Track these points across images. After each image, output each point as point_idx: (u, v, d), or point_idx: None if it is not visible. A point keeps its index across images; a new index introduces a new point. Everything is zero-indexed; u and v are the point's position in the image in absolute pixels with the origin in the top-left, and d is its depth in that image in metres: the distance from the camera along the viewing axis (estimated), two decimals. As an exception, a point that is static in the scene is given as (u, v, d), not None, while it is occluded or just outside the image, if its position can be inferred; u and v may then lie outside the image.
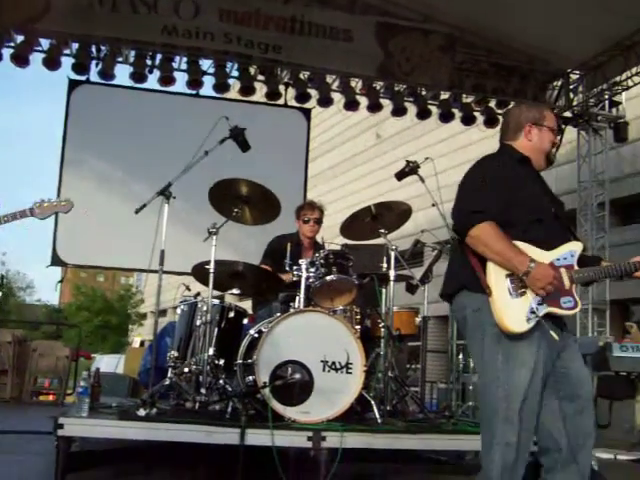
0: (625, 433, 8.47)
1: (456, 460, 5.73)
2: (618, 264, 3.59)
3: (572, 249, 3.53)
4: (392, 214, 5.76)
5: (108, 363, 18.12)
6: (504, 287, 3.35)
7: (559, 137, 12.10)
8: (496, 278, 3.36)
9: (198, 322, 5.43)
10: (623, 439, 8.17)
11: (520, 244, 3.38)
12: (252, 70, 10.41)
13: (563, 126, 12.30)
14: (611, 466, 6.28)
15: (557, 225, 3.61)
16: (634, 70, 11.22)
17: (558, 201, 3.75)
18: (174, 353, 5.61)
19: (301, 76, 10.58)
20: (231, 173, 5.54)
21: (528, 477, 3.55)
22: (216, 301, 5.49)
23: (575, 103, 12.31)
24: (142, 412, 4.57)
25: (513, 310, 3.32)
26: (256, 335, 5.08)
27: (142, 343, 19.86)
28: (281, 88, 10.60)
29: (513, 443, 3.31)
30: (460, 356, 9.41)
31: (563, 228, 3.65)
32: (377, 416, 4.99)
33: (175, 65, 9.99)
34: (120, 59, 9.76)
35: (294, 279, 5.24)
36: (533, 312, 3.32)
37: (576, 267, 3.49)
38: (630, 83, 11.56)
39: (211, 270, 5.19)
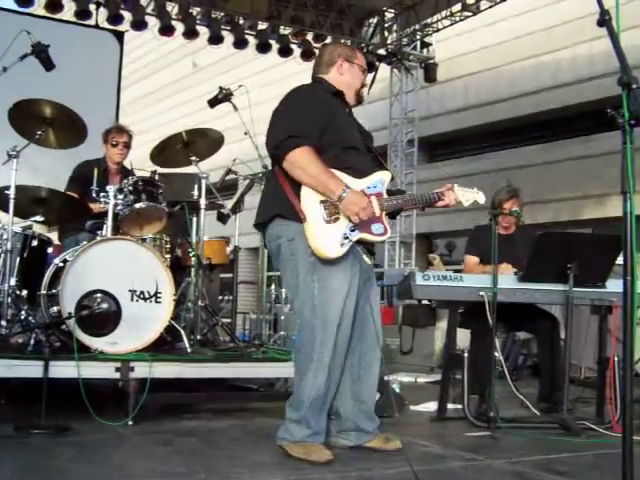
0: (425, 358, 9.02)
1: (267, 388, 5.85)
2: (423, 193, 3.80)
3: (382, 178, 3.65)
4: (204, 141, 5.66)
5: None
6: (318, 213, 3.40)
7: (373, 76, 12.53)
8: (310, 204, 3.40)
9: (-2, 251, 5.13)
10: (423, 364, 8.71)
11: (334, 172, 3.45)
12: (59, -15, 9.80)
13: (377, 63, 12.61)
14: (411, 388, 6.64)
15: (368, 155, 3.73)
16: (444, 13, 11.67)
17: (368, 134, 3.87)
18: (-29, 284, 5.28)
19: (113, -4, 10.12)
20: (36, 94, 5.20)
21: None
22: (18, 229, 5.20)
23: (389, 41, 12.64)
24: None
25: (327, 235, 3.39)
26: (61, 264, 4.86)
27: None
28: (92, 7, 10.08)
29: (327, 366, 3.45)
30: (272, 287, 9.58)
31: (373, 159, 3.77)
32: (187, 346, 4.97)
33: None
34: None
35: (102, 208, 5.06)
36: (346, 237, 3.42)
37: (385, 195, 3.63)
38: (440, 26, 12.02)
39: (11, 196, 4.89)
